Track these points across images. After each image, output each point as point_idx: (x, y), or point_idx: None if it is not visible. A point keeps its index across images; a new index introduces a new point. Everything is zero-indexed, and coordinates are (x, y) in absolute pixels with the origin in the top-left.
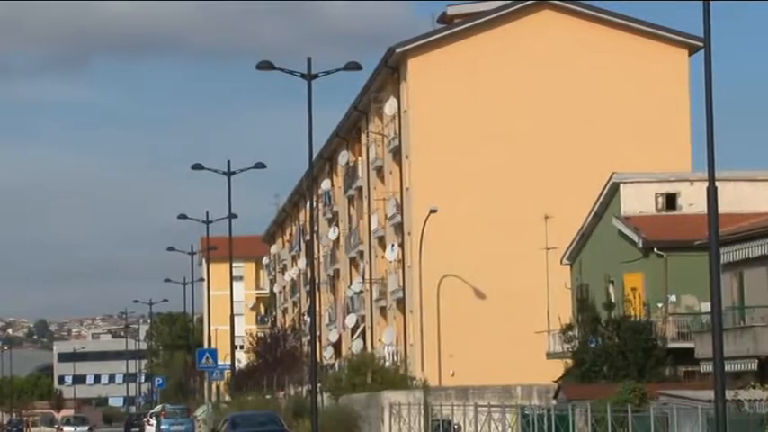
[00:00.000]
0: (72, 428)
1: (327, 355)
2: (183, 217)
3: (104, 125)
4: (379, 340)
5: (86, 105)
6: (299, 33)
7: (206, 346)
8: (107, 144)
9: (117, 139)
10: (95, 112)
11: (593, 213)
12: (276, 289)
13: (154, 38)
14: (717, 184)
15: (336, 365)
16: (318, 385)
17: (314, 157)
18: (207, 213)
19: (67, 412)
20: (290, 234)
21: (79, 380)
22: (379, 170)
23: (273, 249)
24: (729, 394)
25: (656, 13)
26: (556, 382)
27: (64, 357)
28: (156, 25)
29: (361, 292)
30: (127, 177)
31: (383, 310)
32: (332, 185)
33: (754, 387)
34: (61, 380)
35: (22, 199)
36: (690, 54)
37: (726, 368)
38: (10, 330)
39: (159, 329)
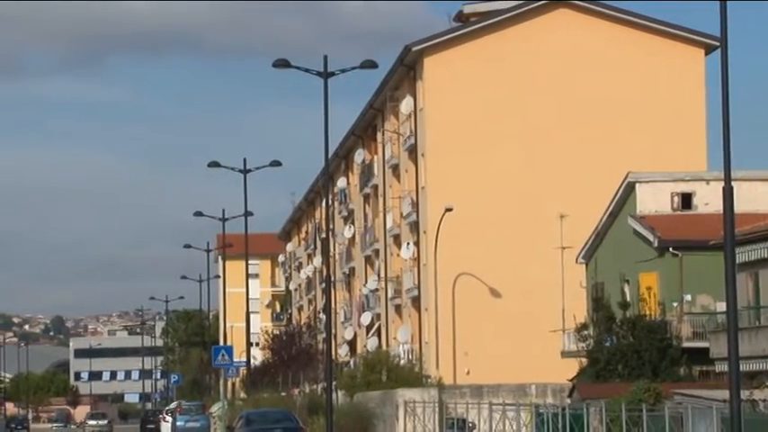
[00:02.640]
0: (95, 422)
1: (342, 352)
2: (199, 214)
3: (120, 123)
4: (394, 338)
5: (103, 104)
6: (316, 31)
7: (222, 343)
8: (123, 142)
9: (133, 137)
10: (112, 110)
11: (608, 212)
12: (292, 287)
13: (170, 37)
14: (733, 183)
15: (351, 363)
16: (333, 383)
17: (330, 155)
18: (223, 211)
19: (84, 408)
20: (306, 232)
21: (95, 376)
22: (395, 168)
23: (289, 247)
24: (744, 394)
25: (672, 13)
26: (570, 380)
27: (80, 354)
28: (172, 24)
29: (377, 290)
30: (142, 175)
31: (398, 308)
32: (348, 183)
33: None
34: (77, 376)
35: (37, 197)
36: (706, 53)
37: (741, 368)
38: (27, 327)
39: (175, 326)
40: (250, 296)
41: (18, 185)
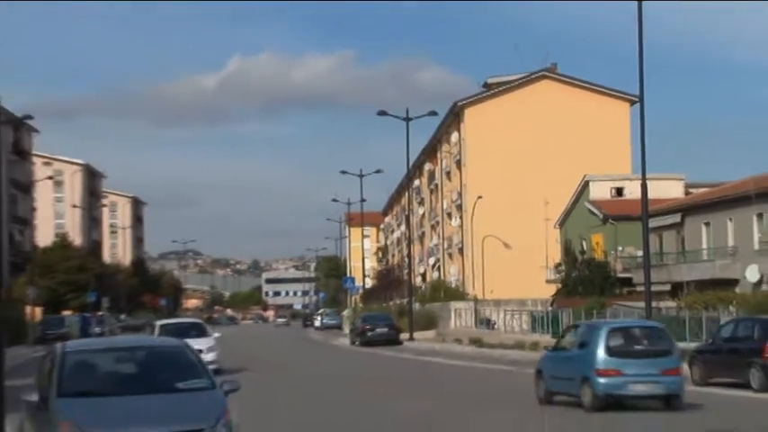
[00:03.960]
0: (280, 320)
1: (418, 281)
2: (335, 201)
3: (289, 149)
4: (448, 272)
5: (278, 137)
6: (402, 93)
7: (348, 275)
8: (292, 159)
9: (297, 155)
10: (283, 140)
11: (573, 199)
12: (388, 243)
13: (318, 97)
14: (647, 181)
15: (423, 287)
16: (413, 298)
17: (410, 166)
18: (348, 198)
19: (270, 313)
20: (397, 211)
21: (277, 294)
22: (448, 174)
23: (387, 219)
24: (654, 305)
25: (613, 78)
26: (552, 297)
27: (268, 281)
28: (320, 90)
29: (437, 244)
30: (302, 178)
31: (451, 255)
32: (420, 183)
33: (667, 300)
34: (266, 294)
35: (238, 192)
36: (631, 105)
37: (651, 289)
38: (237, 266)
39: (322, 266)
40: (364, 248)
41: (227, 184)
